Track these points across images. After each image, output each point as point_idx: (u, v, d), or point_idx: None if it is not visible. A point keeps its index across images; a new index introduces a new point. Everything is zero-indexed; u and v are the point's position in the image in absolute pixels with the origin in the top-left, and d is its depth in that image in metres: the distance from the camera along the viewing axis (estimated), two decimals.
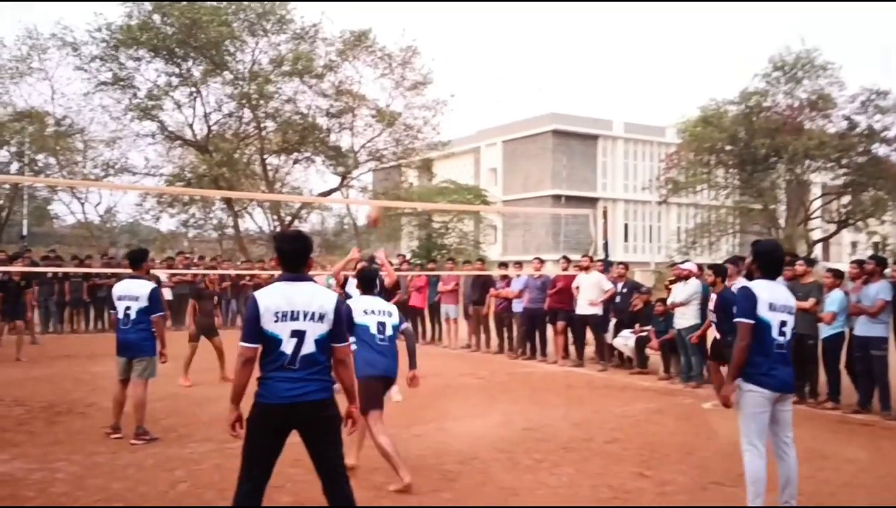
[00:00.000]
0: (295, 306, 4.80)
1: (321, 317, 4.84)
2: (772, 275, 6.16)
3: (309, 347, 4.80)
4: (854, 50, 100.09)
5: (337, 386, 5.00)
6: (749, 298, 5.95)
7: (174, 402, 10.92)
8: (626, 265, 16.09)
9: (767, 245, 6.43)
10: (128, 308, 8.55)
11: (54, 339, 19.11)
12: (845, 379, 11.42)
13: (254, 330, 4.79)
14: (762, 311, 5.91)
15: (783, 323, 5.99)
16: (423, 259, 31.27)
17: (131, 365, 8.57)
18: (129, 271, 9.13)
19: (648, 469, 7.72)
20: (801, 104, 33.41)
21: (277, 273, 5.05)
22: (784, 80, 33.56)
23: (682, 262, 15.39)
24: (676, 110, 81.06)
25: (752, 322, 5.90)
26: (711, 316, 10.75)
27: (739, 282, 11.85)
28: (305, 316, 4.80)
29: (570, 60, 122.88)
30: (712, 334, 11.01)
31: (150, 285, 8.71)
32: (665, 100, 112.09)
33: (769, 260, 6.18)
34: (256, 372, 4.88)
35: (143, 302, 8.53)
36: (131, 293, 8.60)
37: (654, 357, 14.54)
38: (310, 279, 5.02)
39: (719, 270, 11.07)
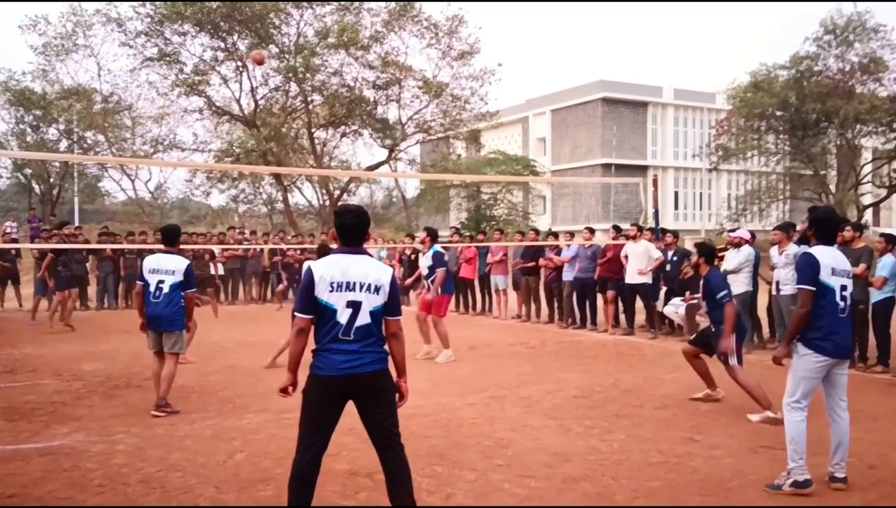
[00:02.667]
0: (350, 277, 4.82)
1: (377, 289, 4.86)
2: (828, 242, 6.15)
3: (364, 318, 4.82)
4: None
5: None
6: (811, 264, 5.94)
7: (231, 374, 11.11)
8: (675, 233, 15.97)
9: (824, 212, 6.41)
10: (161, 282, 8.57)
11: (110, 314, 19.47)
12: (895, 344, 11.34)
13: (308, 300, 4.83)
14: (825, 276, 5.92)
15: (844, 288, 6.02)
16: (472, 230, 31.27)
17: (161, 338, 8.66)
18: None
19: (698, 433, 7.74)
20: (853, 68, 32.83)
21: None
22: (835, 44, 32.92)
23: (734, 230, 15.26)
24: (726, 76, 79.90)
25: (812, 289, 5.90)
26: (702, 303, 9.80)
27: (792, 249, 11.84)
28: (361, 287, 4.82)
29: (619, 26, 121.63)
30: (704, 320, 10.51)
31: (186, 261, 8.78)
32: (715, 65, 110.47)
33: (826, 226, 6.18)
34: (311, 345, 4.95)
35: (179, 277, 8.59)
36: (167, 267, 8.63)
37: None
38: (365, 253, 5.03)
39: (705, 251, 9.58)
